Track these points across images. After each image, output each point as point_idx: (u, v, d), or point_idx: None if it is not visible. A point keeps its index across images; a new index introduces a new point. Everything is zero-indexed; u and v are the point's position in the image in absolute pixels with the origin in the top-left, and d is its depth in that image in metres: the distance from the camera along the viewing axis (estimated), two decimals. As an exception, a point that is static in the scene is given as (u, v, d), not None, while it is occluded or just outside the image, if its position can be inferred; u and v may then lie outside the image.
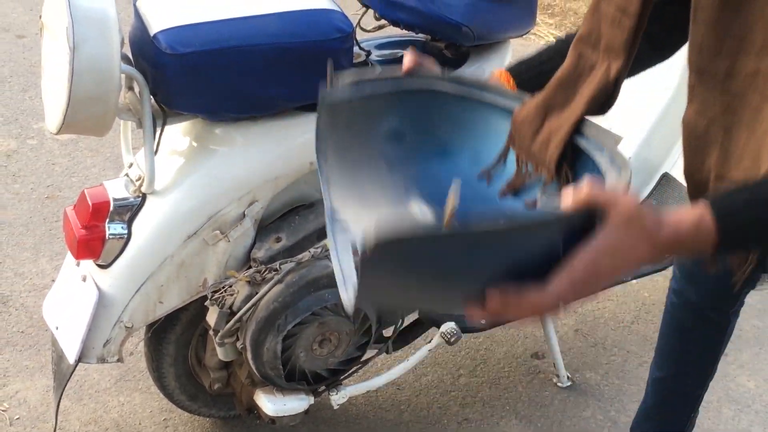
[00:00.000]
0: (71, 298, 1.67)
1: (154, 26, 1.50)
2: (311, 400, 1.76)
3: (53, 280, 2.34)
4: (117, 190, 1.64)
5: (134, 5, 1.59)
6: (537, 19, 2.09)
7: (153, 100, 1.55)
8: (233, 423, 1.98)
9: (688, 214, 0.89)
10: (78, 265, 1.68)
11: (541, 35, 4.58)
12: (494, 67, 1.60)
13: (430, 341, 1.87)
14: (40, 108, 3.25)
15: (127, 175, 1.66)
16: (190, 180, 1.61)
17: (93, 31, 1.41)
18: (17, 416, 1.96)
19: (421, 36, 1.95)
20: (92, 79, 1.41)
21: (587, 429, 2.06)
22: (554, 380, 2.19)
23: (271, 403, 1.72)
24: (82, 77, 1.40)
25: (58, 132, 1.48)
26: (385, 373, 1.87)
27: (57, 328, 1.69)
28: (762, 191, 0.93)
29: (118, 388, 2.06)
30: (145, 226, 1.59)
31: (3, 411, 1.97)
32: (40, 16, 1.54)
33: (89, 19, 1.40)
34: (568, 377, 2.18)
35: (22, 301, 2.30)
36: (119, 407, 2.01)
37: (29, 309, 2.27)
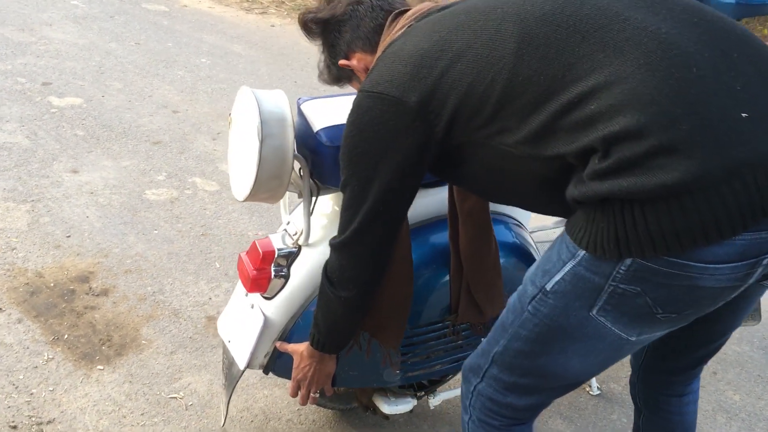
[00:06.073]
0: (241, 320, 1.67)
1: (317, 124, 1.51)
2: (415, 402, 1.75)
3: (210, 299, 2.38)
4: (278, 241, 1.64)
5: (298, 106, 1.60)
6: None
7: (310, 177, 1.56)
8: (349, 414, 1.96)
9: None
10: (246, 295, 1.68)
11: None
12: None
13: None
14: (193, 166, 3.30)
15: (285, 230, 1.67)
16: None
17: (275, 128, 1.42)
18: (191, 402, 1.96)
19: None
20: (274, 163, 1.42)
21: (615, 429, 2.01)
22: (587, 389, 2.14)
23: (387, 405, 1.71)
24: (267, 162, 1.41)
25: (244, 200, 1.50)
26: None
27: (229, 341, 1.69)
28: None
29: (262, 384, 2.05)
30: (300, 269, 1.59)
31: (180, 399, 1.97)
32: (230, 114, 1.56)
33: (272, 119, 1.42)
34: (597, 387, 2.13)
35: (189, 314, 2.31)
36: (264, 399, 2.00)
37: (194, 320, 2.28)
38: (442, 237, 1.59)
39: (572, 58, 0.98)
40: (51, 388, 1.95)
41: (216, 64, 4.85)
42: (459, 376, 1.95)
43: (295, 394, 1.58)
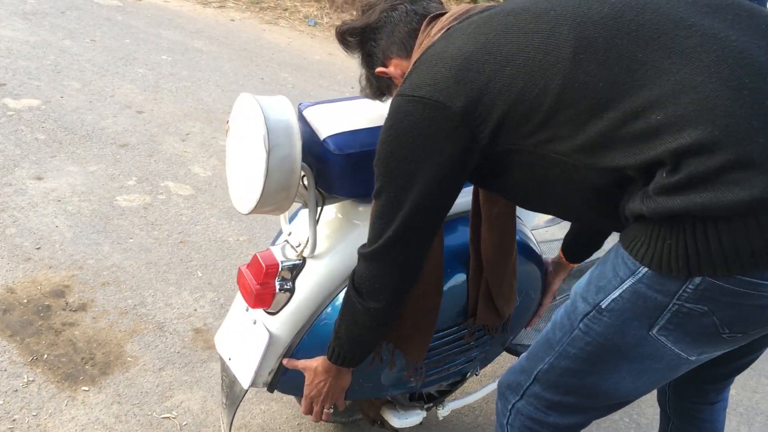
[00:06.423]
0: (243, 337, 1.60)
1: (323, 132, 1.45)
2: (424, 414, 1.71)
3: (195, 310, 2.29)
4: (279, 253, 1.58)
5: (300, 112, 1.53)
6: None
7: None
8: (351, 426, 1.91)
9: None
10: (247, 310, 1.61)
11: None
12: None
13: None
14: (164, 169, 3.19)
15: (287, 241, 1.60)
16: (339, 247, 1.55)
17: (282, 138, 1.35)
18: (185, 422, 1.88)
19: None
20: (281, 175, 1.36)
21: (617, 429, 2.01)
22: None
23: (396, 418, 1.66)
24: (274, 174, 1.35)
25: (248, 213, 1.43)
26: (478, 392, 1.81)
27: (230, 359, 1.62)
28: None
29: (258, 398, 1.98)
30: (306, 282, 1.53)
31: (173, 418, 1.88)
32: (227, 122, 1.49)
33: (279, 128, 1.35)
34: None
35: (174, 327, 2.22)
36: (262, 414, 1.94)
37: (181, 333, 2.19)
38: (453, 239, 1.54)
39: (634, 65, 0.94)
40: (34, 413, 1.84)
41: (177, 60, 4.71)
42: (466, 385, 1.92)
43: (308, 412, 1.52)
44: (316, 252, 1.54)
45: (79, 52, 4.58)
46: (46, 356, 2.03)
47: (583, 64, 0.96)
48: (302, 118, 1.52)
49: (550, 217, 2.35)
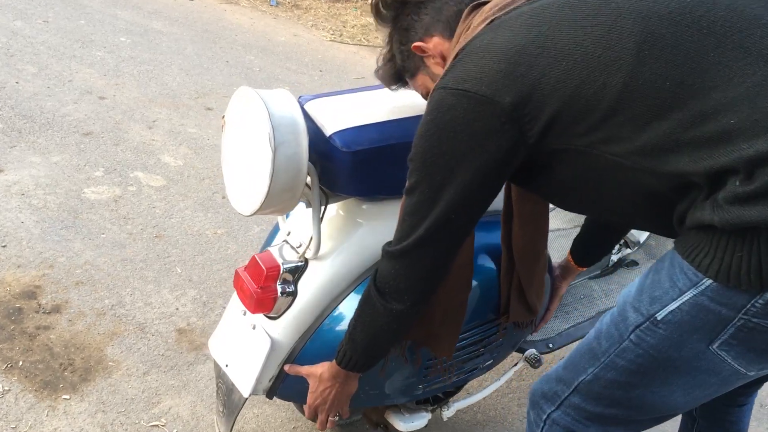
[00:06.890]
0: (241, 343, 1.52)
1: (328, 127, 1.37)
2: (430, 416, 1.66)
3: (177, 309, 2.20)
4: (278, 254, 1.50)
5: (301, 106, 1.45)
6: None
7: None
8: (350, 428, 1.85)
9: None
10: (245, 314, 1.53)
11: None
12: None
13: (515, 365, 1.78)
14: (132, 158, 3.06)
15: (286, 241, 1.53)
16: (343, 247, 1.48)
17: (288, 135, 1.27)
18: (175, 430, 1.79)
19: None
20: (287, 174, 1.28)
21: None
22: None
23: (402, 422, 1.61)
24: (280, 174, 1.27)
25: (251, 215, 1.35)
26: (483, 390, 1.76)
27: (227, 366, 1.54)
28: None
29: (251, 402, 1.90)
30: (309, 285, 1.46)
31: (162, 426, 1.79)
32: (223, 116, 1.40)
33: (284, 125, 1.27)
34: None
35: (156, 328, 2.12)
36: (255, 418, 1.86)
37: (163, 334, 2.09)
38: (482, 238, 1.49)
39: (705, 64, 0.88)
40: (13, 425, 1.73)
41: (137, 43, 4.52)
42: (469, 385, 1.88)
43: (312, 418, 1.46)
44: (319, 252, 1.47)
45: (31, 34, 4.36)
46: (21, 363, 1.92)
47: (647, 61, 0.90)
48: (304, 113, 1.43)
49: None
